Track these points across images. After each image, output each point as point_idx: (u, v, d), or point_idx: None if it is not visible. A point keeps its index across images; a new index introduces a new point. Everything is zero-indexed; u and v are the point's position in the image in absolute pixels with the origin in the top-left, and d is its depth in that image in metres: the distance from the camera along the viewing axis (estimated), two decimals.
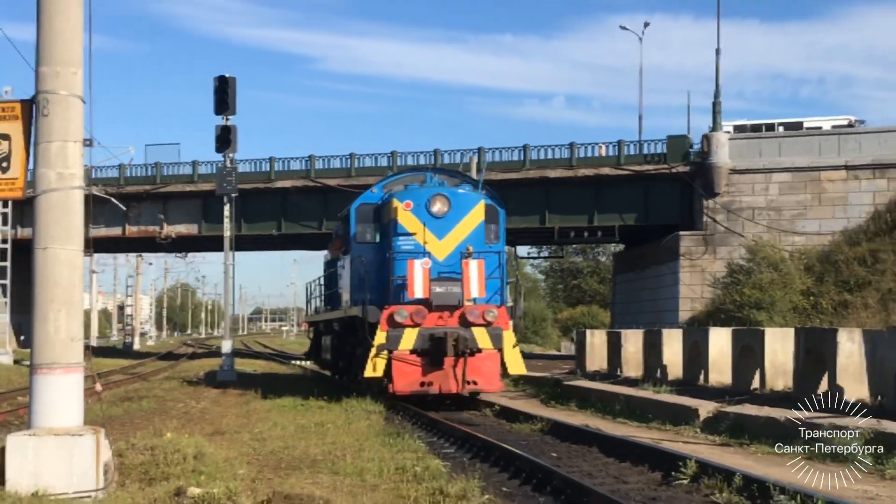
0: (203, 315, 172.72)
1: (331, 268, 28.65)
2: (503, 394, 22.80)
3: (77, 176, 9.75)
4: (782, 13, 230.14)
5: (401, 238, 20.61)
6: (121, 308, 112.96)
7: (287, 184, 52.26)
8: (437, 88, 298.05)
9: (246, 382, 31.24)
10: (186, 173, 54.22)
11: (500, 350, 20.38)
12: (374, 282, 20.92)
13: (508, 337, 20.64)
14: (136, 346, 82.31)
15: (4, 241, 44.65)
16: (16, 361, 40.94)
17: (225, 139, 32.49)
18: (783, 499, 9.68)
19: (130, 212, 52.89)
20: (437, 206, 20.60)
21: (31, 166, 10.03)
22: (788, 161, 43.99)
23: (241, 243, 51.91)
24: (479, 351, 20.05)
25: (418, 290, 19.59)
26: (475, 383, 20.13)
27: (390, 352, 19.75)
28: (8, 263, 44.21)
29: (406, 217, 20.54)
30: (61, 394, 9.46)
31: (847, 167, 43.31)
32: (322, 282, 30.99)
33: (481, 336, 20.06)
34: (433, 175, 22.93)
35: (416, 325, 19.81)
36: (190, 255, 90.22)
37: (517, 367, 21.06)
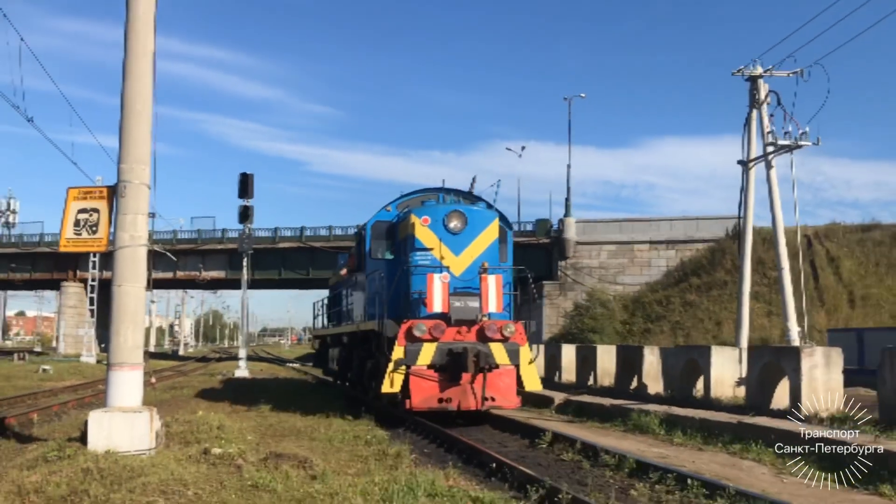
0: (227, 331, 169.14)
1: (335, 290, 22.72)
2: None
3: (143, 237, 9.63)
4: (610, 142, 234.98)
5: (418, 253, 14.61)
6: (171, 326, 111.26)
7: (286, 245, 52.70)
8: (388, 184, 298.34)
9: (255, 378, 30.76)
10: (218, 237, 54.63)
11: (517, 366, 14.21)
12: (388, 297, 14.48)
13: (525, 353, 14.39)
14: (181, 353, 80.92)
15: (93, 280, 44.97)
16: (98, 361, 40.24)
17: (245, 215, 32.26)
18: (607, 457, 9.72)
19: (179, 262, 52.35)
20: (454, 223, 14.72)
21: (112, 230, 9.90)
22: (613, 237, 44.83)
23: (254, 284, 51.77)
24: (497, 367, 13.99)
25: (437, 304, 13.76)
26: (493, 399, 13.90)
27: (408, 367, 13.67)
28: (95, 295, 44.35)
29: (423, 232, 14.62)
30: (127, 384, 9.29)
31: (650, 242, 44.28)
32: (327, 302, 24.71)
33: (498, 351, 14.03)
34: (445, 195, 16.41)
35: (434, 339, 13.76)
36: (219, 291, 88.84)
37: (533, 383, 14.52)
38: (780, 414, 13.13)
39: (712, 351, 16.16)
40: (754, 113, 19.57)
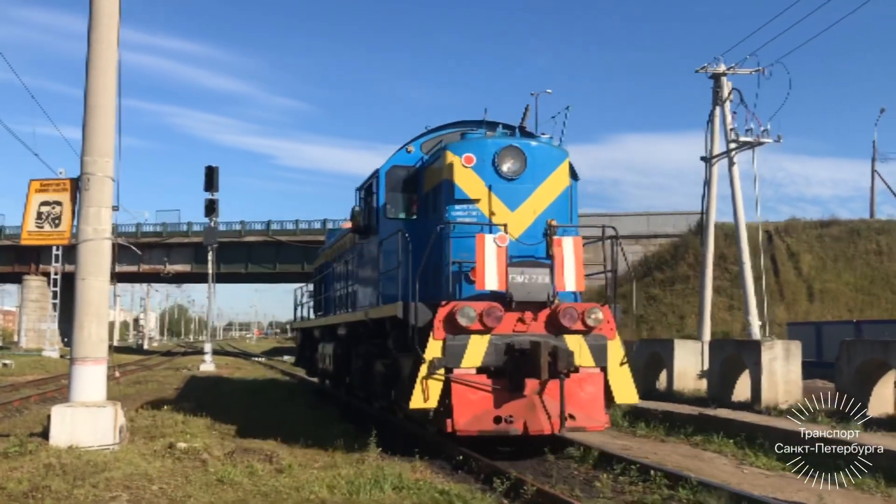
0: (192, 326, 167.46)
1: (324, 272, 17.86)
2: None
3: (107, 231, 9.51)
4: (576, 138, 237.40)
5: (458, 206, 9.83)
6: (136, 320, 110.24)
7: (252, 239, 52.40)
8: (356, 178, 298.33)
9: (220, 373, 30.52)
10: (183, 230, 54.16)
11: (604, 369, 9.68)
12: (414, 271, 9.36)
13: (615, 350, 9.81)
14: (146, 347, 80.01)
15: (56, 274, 44.14)
16: (61, 356, 39.74)
17: (210, 208, 32.04)
18: (572, 449, 9.78)
19: (144, 255, 51.87)
20: (510, 164, 9.83)
21: (75, 223, 9.78)
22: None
23: (220, 278, 51.48)
24: (577, 370, 9.46)
25: (491, 278, 9.09)
26: (573, 418, 9.24)
27: (448, 371, 9.13)
28: (58, 289, 43.45)
29: (465, 177, 9.81)
30: (91, 378, 9.20)
31: (614, 237, 44.50)
32: (313, 287, 19.75)
33: (579, 348, 9.53)
34: (489, 129, 10.87)
35: (486, 330, 9.22)
36: (184, 285, 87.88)
37: (627, 393, 9.82)
38: (741, 406, 13.36)
39: (675, 344, 16.37)
40: (717, 110, 19.80)
